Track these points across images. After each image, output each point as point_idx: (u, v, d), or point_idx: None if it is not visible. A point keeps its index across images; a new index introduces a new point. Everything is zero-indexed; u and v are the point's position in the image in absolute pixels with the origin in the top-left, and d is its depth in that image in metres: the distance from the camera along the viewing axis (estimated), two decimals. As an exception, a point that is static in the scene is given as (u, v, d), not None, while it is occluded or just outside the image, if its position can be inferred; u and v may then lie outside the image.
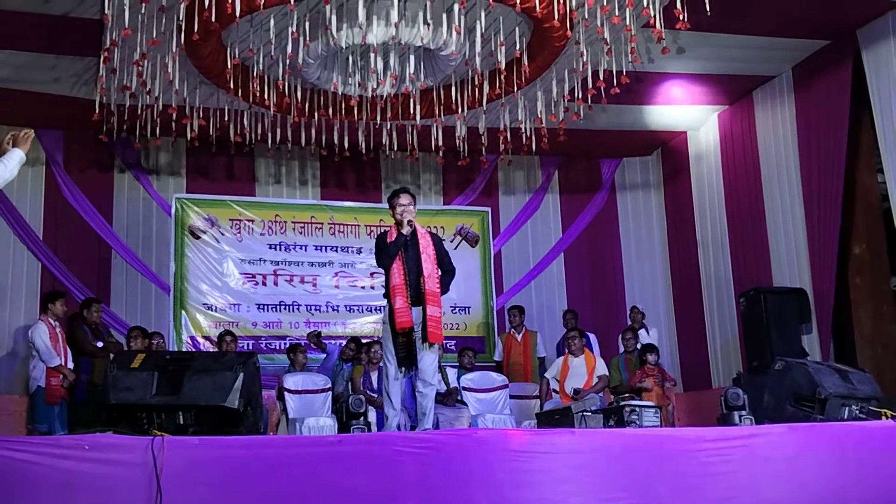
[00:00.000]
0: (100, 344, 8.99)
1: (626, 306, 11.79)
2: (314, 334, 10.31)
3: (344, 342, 10.11)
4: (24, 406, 8.99)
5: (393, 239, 6.28)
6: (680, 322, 11.59)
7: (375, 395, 8.51)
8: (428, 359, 6.21)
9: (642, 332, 10.49)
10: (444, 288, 6.40)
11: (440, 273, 6.36)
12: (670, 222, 12.02)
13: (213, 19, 7.06)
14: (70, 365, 8.61)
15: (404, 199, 6.34)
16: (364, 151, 10.29)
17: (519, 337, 10.63)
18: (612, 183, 12.47)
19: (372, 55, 8.14)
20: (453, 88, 9.17)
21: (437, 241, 6.48)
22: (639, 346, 10.00)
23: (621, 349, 10.19)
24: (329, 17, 7.33)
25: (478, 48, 7.84)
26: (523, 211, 12.21)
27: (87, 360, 8.87)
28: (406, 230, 6.25)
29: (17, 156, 4.76)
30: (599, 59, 8.30)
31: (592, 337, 10.49)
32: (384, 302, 6.34)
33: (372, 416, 7.95)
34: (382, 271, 6.37)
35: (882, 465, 5.37)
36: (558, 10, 7.32)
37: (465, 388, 9.43)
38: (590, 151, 12.02)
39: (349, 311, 11.32)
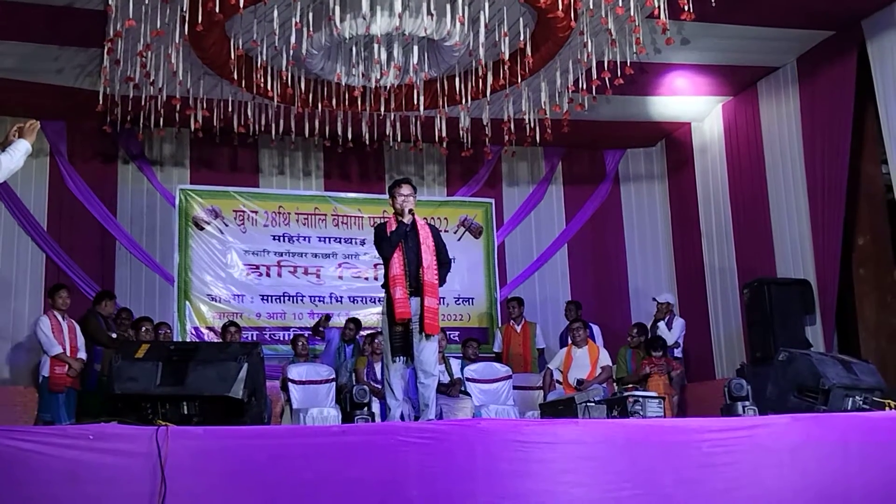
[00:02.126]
0: (113, 335, 9.02)
1: (629, 298, 11.83)
2: (325, 317, 10.32)
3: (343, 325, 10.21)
4: (29, 397, 9.02)
5: (393, 229, 6.29)
6: (684, 313, 11.53)
7: (379, 386, 8.53)
8: (428, 350, 6.22)
9: (662, 325, 10.30)
10: (441, 280, 6.42)
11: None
12: (674, 213, 12.02)
13: (217, 10, 7.07)
14: (82, 355, 8.63)
15: (405, 189, 6.36)
16: (368, 142, 10.30)
17: (518, 328, 10.63)
18: (615, 174, 12.46)
19: (376, 46, 8.13)
20: (457, 79, 9.17)
21: (436, 233, 6.50)
22: (679, 338, 9.98)
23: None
24: (332, 8, 7.32)
25: (481, 39, 7.83)
26: (527, 202, 12.20)
27: (100, 351, 8.89)
28: (407, 219, 6.26)
29: (22, 146, 4.78)
30: (604, 50, 8.28)
31: (596, 328, 10.48)
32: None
33: (376, 406, 7.96)
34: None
35: (885, 456, 5.37)
36: (562, 1, 7.31)
37: (468, 379, 9.44)
38: (594, 142, 12.01)
39: (353, 302, 11.34)
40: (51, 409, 8.35)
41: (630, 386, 8.43)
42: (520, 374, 9.99)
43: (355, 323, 10.24)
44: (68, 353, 8.46)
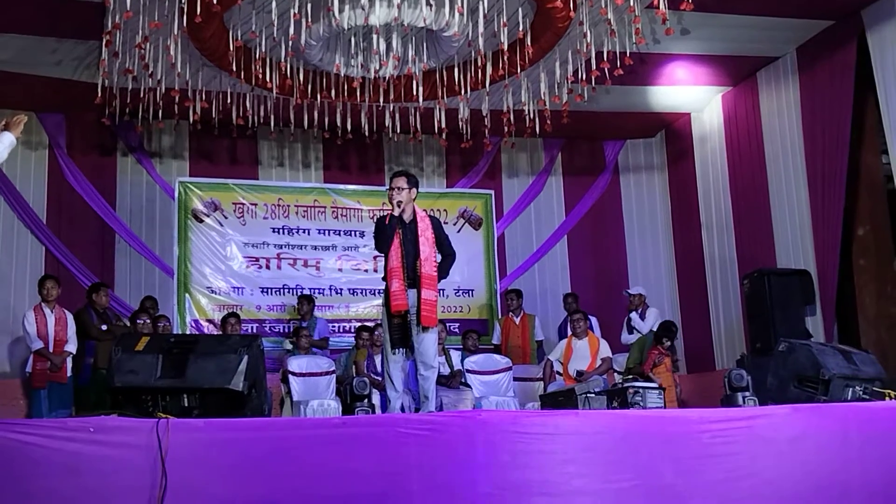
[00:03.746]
0: (104, 327, 9.01)
1: (629, 288, 11.79)
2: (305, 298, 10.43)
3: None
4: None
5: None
6: (684, 304, 11.59)
7: (379, 378, 8.53)
8: (427, 341, 6.21)
9: (635, 316, 10.34)
10: (445, 272, 6.41)
11: (440, 257, 6.36)
12: (674, 204, 12.01)
13: (215, 1, 7.04)
14: (70, 348, 8.60)
15: (397, 181, 6.33)
16: (367, 134, 10.28)
17: (517, 320, 10.61)
18: (615, 165, 12.45)
19: (374, 36, 8.11)
20: (456, 70, 9.14)
21: (437, 225, 6.47)
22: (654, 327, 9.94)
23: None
24: (331, -1, 7.31)
25: (480, 29, 7.80)
26: (526, 193, 12.19)
27: (92, 344, 8.88)
28: (396, 212, 6.23)
29: (6, 139, 4.87)
30: (603, 41, 8.26)
31: (594, 319, 10.47)
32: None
33: (376, 398, 7.96)
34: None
35: (885, 446, 5.37)
36: (561, -9, 7.30)
37: (468, 371, 9.45)
38: (593, 133, 11.99)
39: (352, 294, 11.35)
40: (32, 405, 8.34)
41: (632, 377, 8.41)
42: (519, 365, 10.00)
43: (307, 300, 10.38)
44: (53, 347, 8.44)
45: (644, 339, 9.83)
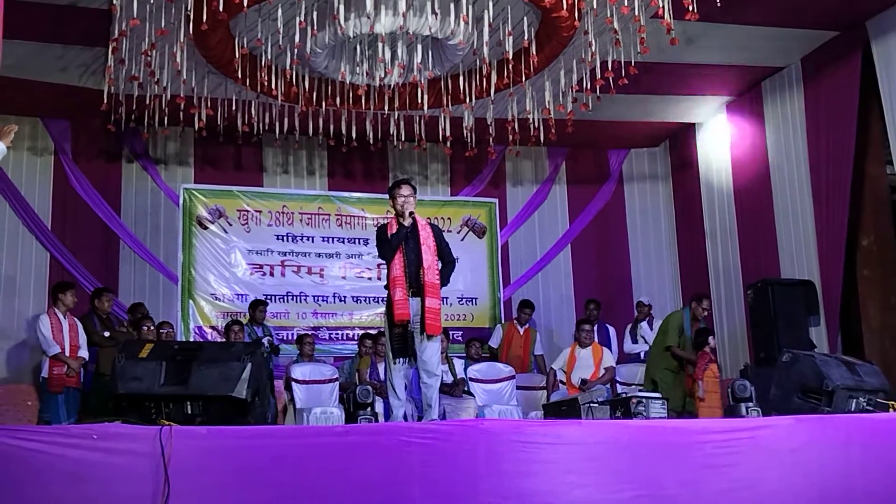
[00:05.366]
0: (106, 333, 9.01)
1: (633, 298, 11.78)
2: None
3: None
4: (33, 396, 9.03)
5: (394, 231, 6.27)
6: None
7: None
8: (430, 350, 6.19)
9: (644, 325, 10.38)
10: (445, 279, 6.39)
11: (440, 264, 6.36)
12: (678, 214, 12.01)
13: (221, 9, 7.05)
14: (83, 353, 8.63)
15: (405, 189, 6.34)
16: (371, 141, 10.28)
17: (521, 330, 10.56)
18: (619, 174, 12.45)
19: (380, 44, 8.12)
20: (461, 78, 9.15)
21: (438, 232, 6.46)
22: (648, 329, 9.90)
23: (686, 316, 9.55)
24: (337, 7, 7.31)
25: (486, 38, 7.81)
26: (531, 202, 12.19)
27: (95, 350, 8.89)
28: (407, 222, 6.25)
29: None
30: (608, 50, 8.27)
31: (612, 329, 10.47)
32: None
33: (379, 406, 7.95)
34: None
35: (888, 457, 5.37)
36: (566, 0, 7.30)
37: (471, 379, 9.43)
38: (598, 142, 11.99)
39: (356, 301, 11.35)
40: (49, 410, 8.34)
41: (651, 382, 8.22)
42: (522, 374, 9.98)
43: (263, 304, 10.25)
44: (68, 352, 8.45)
45: (679, 314, 9.44)
